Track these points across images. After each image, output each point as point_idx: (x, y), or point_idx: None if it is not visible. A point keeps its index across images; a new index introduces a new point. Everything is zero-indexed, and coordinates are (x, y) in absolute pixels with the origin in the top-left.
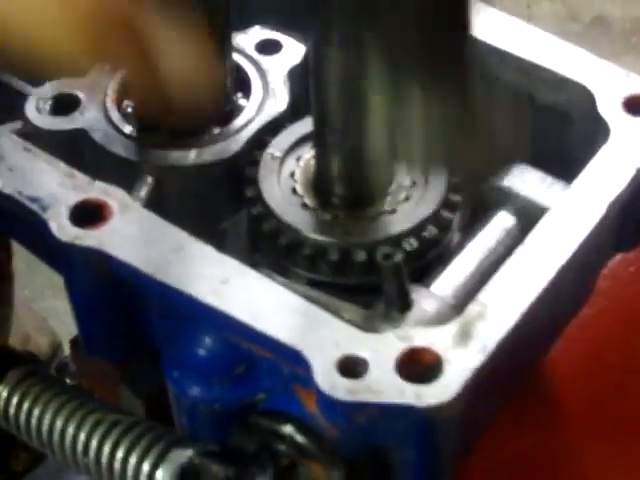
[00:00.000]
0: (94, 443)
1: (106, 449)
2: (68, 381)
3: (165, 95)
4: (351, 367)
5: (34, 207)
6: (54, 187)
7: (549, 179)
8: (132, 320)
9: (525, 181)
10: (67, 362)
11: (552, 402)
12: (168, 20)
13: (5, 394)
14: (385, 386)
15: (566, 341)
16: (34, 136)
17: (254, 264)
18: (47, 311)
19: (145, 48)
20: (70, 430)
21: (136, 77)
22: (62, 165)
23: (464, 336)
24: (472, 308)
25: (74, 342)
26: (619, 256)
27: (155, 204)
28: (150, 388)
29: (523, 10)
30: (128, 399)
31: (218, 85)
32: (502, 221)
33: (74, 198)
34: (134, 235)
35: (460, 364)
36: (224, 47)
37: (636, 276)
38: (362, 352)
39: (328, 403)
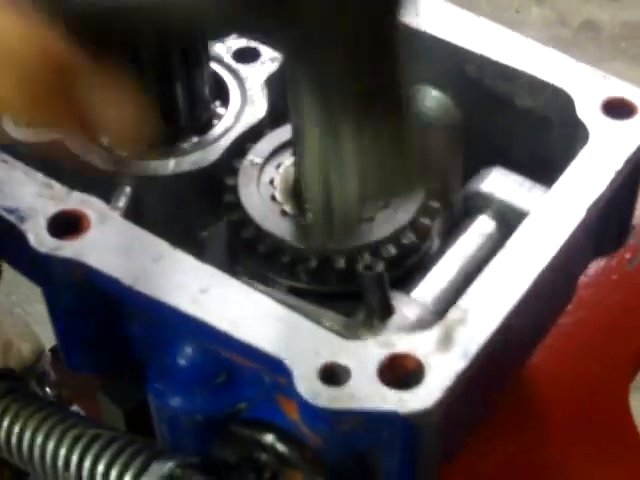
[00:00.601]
0: (74, 458)
1: (87, 464)
2: (48, 390)
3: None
4: (333, 375)
5: (11, 218)
6: (31, 198)
7: (528, 183)
8: (112, 332)
9: (504, 185)
10: (46, 371)
11: (533, 410)
12: (102, 70)
13: None
14: (367, 393)
15: (547, 349)
16: (11, 147)
17: (234, 272)
18: (32, 317)
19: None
20: (50, 446)
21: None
22: (39, 176)
23: (445, 341)
24: (453, 313)
25: (54, 350)
26: (601, 264)
27: (134, 214)
28: (130, 398)
29: (512, 15)
30: (108, 408)
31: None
32: (482, 226)
33: (52, 209)
34: (113, 245)
35: (442, 370)
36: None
37: (617, 285)
38: (344, 359)
39: (311, 411)
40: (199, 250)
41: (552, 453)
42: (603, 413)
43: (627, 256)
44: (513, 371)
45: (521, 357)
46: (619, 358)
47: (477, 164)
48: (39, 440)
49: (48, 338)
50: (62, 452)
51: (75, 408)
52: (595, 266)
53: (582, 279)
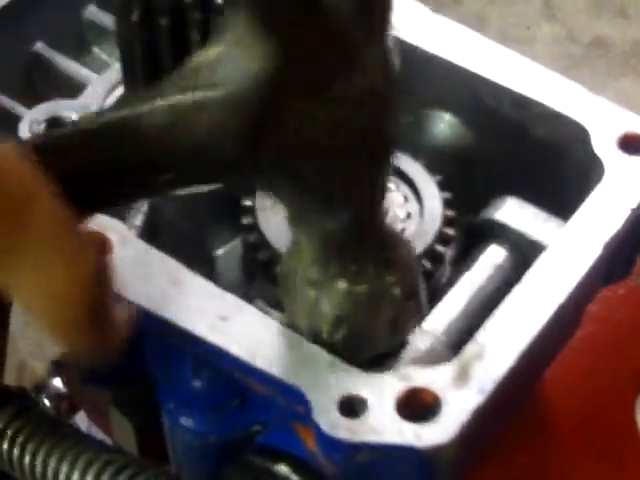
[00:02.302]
0: None
1: None
2: (47, 402)
3: None
4: (351, 406)
5: None
6: None
7: (543, 214)
8: (128, 351)
9: (519, 216)
10: (46, 383)
11: (541, 423)
12: None
13: None
14: (385, 426)
15: (555, 365)
16: None
17: (248, 293)
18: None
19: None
20: (64, 469)
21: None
22: None
23: (462, 377)
24: (470, 348)
25: (57, 363)
26: None
27: (150, 231)
28: (142, 412)
29: (522, 31)
30: (119, 421)
31: None
32: (494, 255)
33: None
34: (133, 269)
35: (458, 405)
36: None
37: (625, 300)
38: (362, 391)
39: (328, 442)
40: (212, 268)
41: (561, 465)
42: (610, 426)
43: (635, 270)
44: (526, 395)
45: (533, 381)
46: (626, 372)
47: (490, 192)
48: (52, 463)
49: None
50: (75, 476)
51: (75, 420)
52: None
53: None
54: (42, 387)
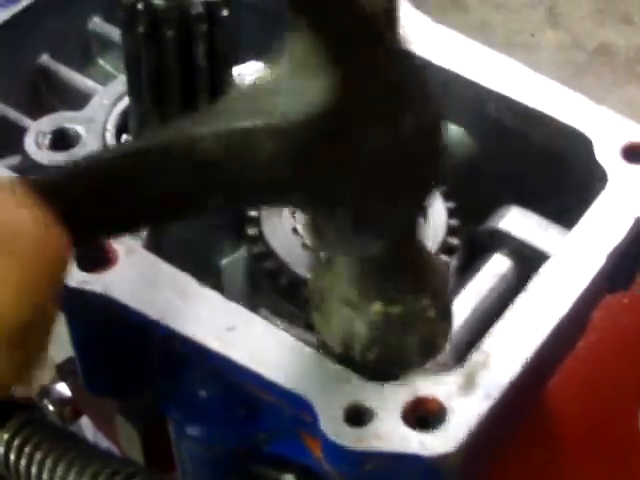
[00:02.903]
0: None
1: None
2: (50, 407)
3: None
4: (357, 415)
5: None
6: None
7: (546, 223)
8: (135, 362)
9: (523, 224)
10: (49, 388)
11: (547, 434)
12: None
13: (5, 441)
14: (391, 434)
15: (560, 374)
16: (32, 171)
17: (253, 303)
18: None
19: None
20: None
21: None
22: None
23: (468, 385)
24: (476, 356)
25: (60, 367)
26: None
27: (156, 242)
28: (148, 419)
29: (527, 38)
30: (125, 429)
31: None
32: (498, 265)
33: None
34: (140, 280)
35: (464, 413)
36: None
37: (629, 308)
38: (368, 400)
39: (334, 450)
40: (217, 277)
41: (565, 473)
42: (614, 434)
43: (638, 280)
44: (532, 403)
45: (538, 389)
46: (630, 380)
47: (494, 201)
48: (59, 473)
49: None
50: None
51: (78, 425)
52: None
53: None
54: (46, 392)
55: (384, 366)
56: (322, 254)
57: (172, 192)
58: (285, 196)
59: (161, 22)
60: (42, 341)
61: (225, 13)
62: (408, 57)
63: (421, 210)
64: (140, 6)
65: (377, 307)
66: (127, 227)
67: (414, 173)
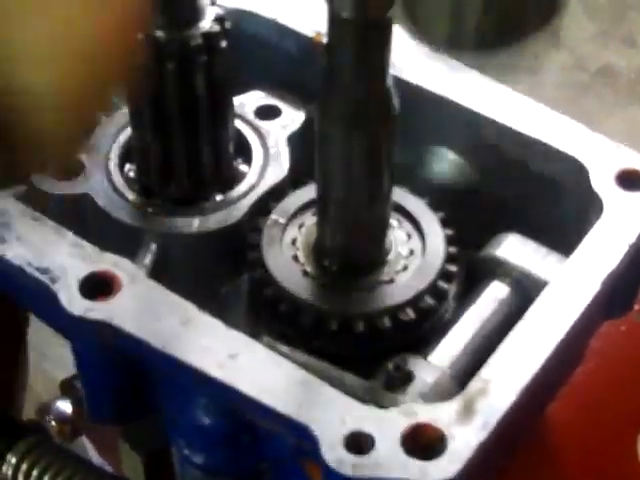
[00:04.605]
0: None
1: None
2: (53, 423)
3: None
4: (358, 443)
5: (44, 279)
6: (63, 258)
7: (543, 250)
8: (139, 389)
9: (520, 252)
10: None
11: (545, 460)
12: None
13: (14, 464)
14: (391, 462)
15: (558, 400)
16: (37, 199)
17: (254, 330)
18: (54, 361)
19: None
20: None
21: None
22: (70, 235)
23: (467, 412)
24: (474, 384)
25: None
26: None
27: (159, 270)
28: (151, 446)
29: (531, 61)
30: (128, 455)
31: None
32: (497, 291)
33: (84, 270)
34: (142, 308)
35: (463, 440)
36: None
37: (627, 336)
38: (368, 428)
39: (335, 478)
40: (220, 305)
41: None
42: (613, 462)
43: (636, 307)
44: (530, 428)
45: (537, 415)
46: (628, 408)
47: (492, 228)
48: None
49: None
50: None
51: (79, 444)
52: None
53: None
54: (47, 409)
55: None
56: None
57: None
58: None
59: (162, 54)
60: (100, 100)
61: (224, 44)
62: None
63: None
64: (141, 37)
65: None
66: None
67: None
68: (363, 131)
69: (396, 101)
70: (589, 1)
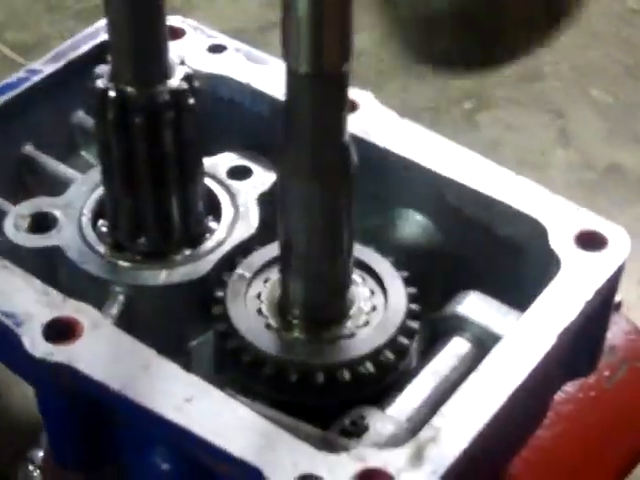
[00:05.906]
0: None
1: None
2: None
3: None
4: None
5: (8, 322)
6: (29, 304)
7: (504, 308)
8: (99, 433)
9: (481, 309)
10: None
11: None
12: None
13: None
14: None
15: (524, 462)
16: (11, 253)
17: (219, 382)
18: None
19: None
20: None
21: None
22: (37, 282)
23: (417, 458)
24: (425, 432)
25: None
26: (580, 381)
27: (126, 321)
28: None
29: (537, 158)
30: None
31: None
32: (457, 347)
33: (48, 315)
34: (103, 352)
35: None
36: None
37: (596, 402)
38: (319, 471)
39: None
40: (188, 358)
41: None
42: None
43: (606, 374)
44: None
45: (498, 468)
46: (597, 473)
47: (455, 286)
48: None
49: None
50: None
51: None
52: (574, 382)
53: (560, 395)
54: (30, 458)
55: None
56: None
57: None
58: None
59: (130, 109)
60: None
61: (192, 101)
62: None
63: None
64: (111, 93)
65: None
66: None
67: None
68: (321, 186)
69: (354, 157)
70: (598, 99)
